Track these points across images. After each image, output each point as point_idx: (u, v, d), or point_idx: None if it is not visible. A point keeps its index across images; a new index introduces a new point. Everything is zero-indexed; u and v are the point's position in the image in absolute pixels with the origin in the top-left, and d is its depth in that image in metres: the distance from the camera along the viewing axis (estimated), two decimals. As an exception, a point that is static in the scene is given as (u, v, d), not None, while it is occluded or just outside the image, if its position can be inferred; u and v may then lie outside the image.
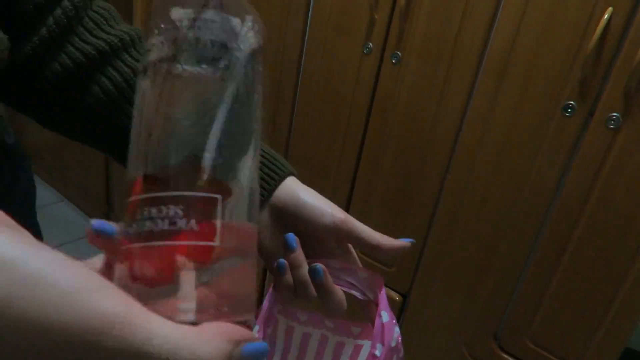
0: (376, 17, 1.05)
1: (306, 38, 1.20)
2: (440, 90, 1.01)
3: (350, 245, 0.47)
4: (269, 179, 0.45)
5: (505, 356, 1.05)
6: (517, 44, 0.90)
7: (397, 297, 1.19)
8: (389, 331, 0.41)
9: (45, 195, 2.34)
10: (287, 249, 0.42)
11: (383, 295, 0.44)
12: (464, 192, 1.03)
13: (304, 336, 0.52)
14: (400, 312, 1.21)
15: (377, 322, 0.42)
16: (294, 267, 0.42)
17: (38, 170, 2.30)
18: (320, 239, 0.45)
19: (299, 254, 0.41)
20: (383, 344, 0.40)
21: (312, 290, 0.42)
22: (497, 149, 0.96)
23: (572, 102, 0.86)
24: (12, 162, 0.50)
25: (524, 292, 1.00)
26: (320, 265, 0.41)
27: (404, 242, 0.43)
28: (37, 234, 0.54)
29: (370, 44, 1.08)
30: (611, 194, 0.86)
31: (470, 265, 1.06)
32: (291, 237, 0.41)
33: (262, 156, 0.45)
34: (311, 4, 1.16)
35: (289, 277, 0.42)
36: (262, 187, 0.44)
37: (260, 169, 0.44)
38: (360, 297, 0.45)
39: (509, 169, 0.96)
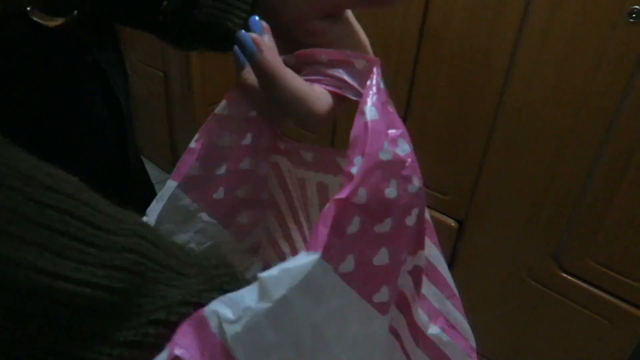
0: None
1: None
2: (497, 1, 0.98)
3: (350, 14, 0.34)
4: None
5: (567, 276, 1.05)
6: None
7: (453, 224, 1.21)
8: (376, 136, 0.25)
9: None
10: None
11: (374, 79, 0.28)
12: (521, 112, 1.01)
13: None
14: (457, 238, 1.22)
15: (357, 122, 0.26)
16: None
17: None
18: (301, 22, 0.33)
19: (268, 41, 0.31)
20: (363, 155, 0.24)
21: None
22: (556, 67, 0.93)
23: (637, 7, 0.82)
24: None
25: (586, 211, 0.98)
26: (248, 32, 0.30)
27: None
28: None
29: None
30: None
31: (529, 187, 1.05)
32: (254, 20, 0.31)
33: None
34: None
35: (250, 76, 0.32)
36: None
37: None
38: (353, 98, 0.31)
39: (569, 85, 0.93)
